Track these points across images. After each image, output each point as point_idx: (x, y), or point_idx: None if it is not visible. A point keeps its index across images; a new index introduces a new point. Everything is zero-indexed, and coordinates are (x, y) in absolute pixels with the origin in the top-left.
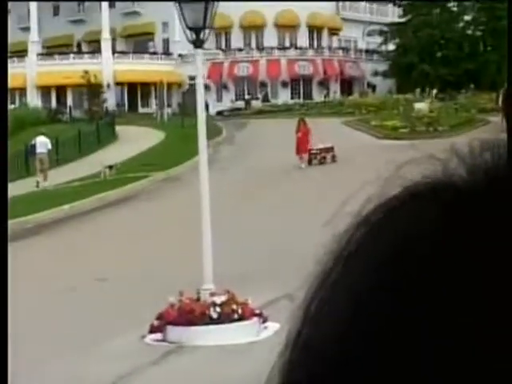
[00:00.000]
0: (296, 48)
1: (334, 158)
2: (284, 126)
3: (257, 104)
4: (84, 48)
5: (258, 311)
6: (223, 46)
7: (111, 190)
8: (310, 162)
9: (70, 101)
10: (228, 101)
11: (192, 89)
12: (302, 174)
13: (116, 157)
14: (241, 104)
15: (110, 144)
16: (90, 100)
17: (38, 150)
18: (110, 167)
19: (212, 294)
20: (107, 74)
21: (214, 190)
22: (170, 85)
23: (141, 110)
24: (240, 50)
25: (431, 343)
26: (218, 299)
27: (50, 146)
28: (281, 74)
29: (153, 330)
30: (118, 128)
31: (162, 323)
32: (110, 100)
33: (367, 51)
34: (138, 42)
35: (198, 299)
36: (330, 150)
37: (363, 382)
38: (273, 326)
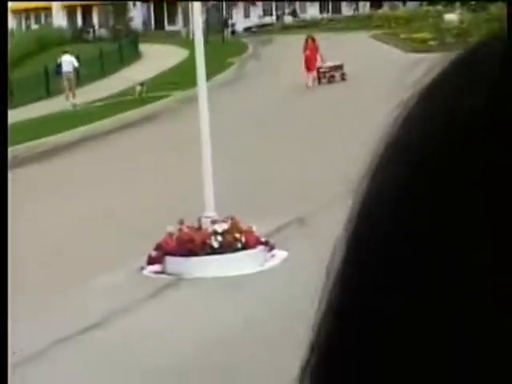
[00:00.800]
0: None
1: (343, 76)
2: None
3: (287, 19)
4: None
5: (263, 239)
6: None
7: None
8: (319, 81)
9: (95, 20)
10: (256, 16)
11: (216, 5)
12: (309, 93)
13: (138, 76)
14: (269, 19)
15: (132, 63)
16: (115, 19)
17: (65, 68)
18: (142, 84)
19: (213, 222)
20: None
21: (228, 108)
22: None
23: (167, 27)
24: None
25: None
26: (220, 227)
27: (76, 64)
28: None
29: (152, 261)
30: (142, 46)
31: (161, 254)
32: (137, 18)
33: None
34: None
35: (200, 228)
36: (339, 67)
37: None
38: (281, 255)
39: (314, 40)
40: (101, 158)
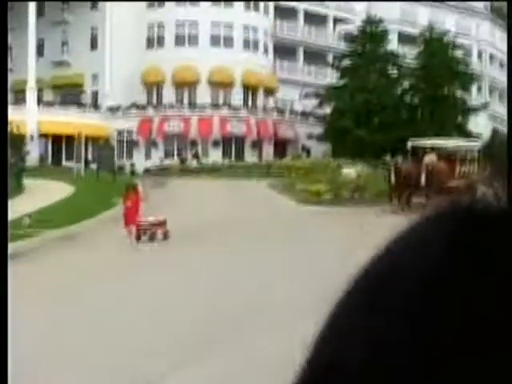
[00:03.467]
0: (229, 107)
1: (166, 235)
2: (203, 187)
3: (189, 162)
4: (10, 98)
5: None
6: (154, 102)
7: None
8: (138, 238)
9: None
10: (157, 158)
11: (109, 144)
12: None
13: (17, 209)
14: (170, 162)
15: (12, 197)
16: (12, 151)
17: None
18: (29, 216)
19: None
20: (31, 125)
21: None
22: (96, 139)
23: (65, 163)
24: (171, 106)
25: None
26: None
27: None
28: (212, 133)
29: None
30: (27, 181)
31: None
32: (33, 152)
33: (303, 113)
34: (66, 93)
35: None
36: (161, 224)
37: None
38: None
39: (136, 189)
40: None
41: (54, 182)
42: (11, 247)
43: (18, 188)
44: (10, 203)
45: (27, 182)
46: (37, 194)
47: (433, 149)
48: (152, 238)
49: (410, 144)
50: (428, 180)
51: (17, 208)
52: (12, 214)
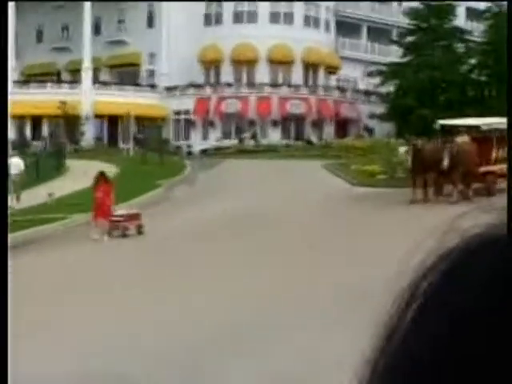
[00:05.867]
0: (289, 86)
1: (139, 229)
2: (256, 168)
3: (247, 143)
4: (66, 77)
5: None
6: (212, 81)
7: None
8: (109, 233)
9: (45, 132)
10: (214, 139)
11: (157, 124)
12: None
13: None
14: (228, 142)
15: (51, 178)
16: (67, 132)
17: (13, 171)
18: (50, 195)
19: None
20: (87, 105)
21: None
22: (153, 119)
23: (122, 144)
24: (229, 85)
25: None
26: None
27: (22, 167)
28: (271, 113)
29: None
30: (71, 162)
31: None
32: (89, 133)
33: (366, 92)
34: (123, 72)
35: None
36: (134, 217)
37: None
38: None
39: (106, 178)
40: None
41: (99, 163)
42: (32, 231)
43: (59, 169)
44: (49, 184)
45: (72, 162)
46: (77, 177)
47: (469, 129)
48: (125, 234)
49: (439, 123)
50: (453, 164)
51: (51, 190)
52: (41, 198)
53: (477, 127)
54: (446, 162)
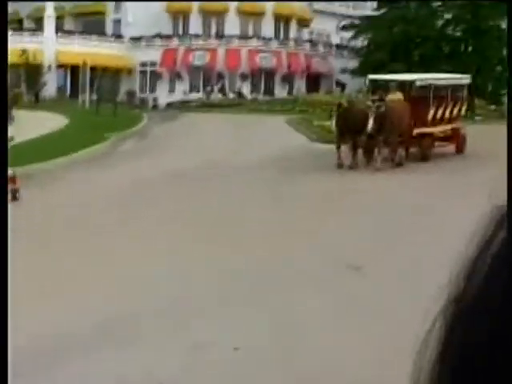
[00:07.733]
0: (259, 38)
1: (14, 194)
2: (222, 122)
3: (215, 96)
4: (30, 26)
5: None
6: (180, 32)
7: None
8: None
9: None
10: (181, 92)
11: (111, 74)
12: None
13: None
14: (194, 96)
15: None
16: (27, 82)
17: None
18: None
19: None
20: (49, 54)
21: None
22: (118, 70)
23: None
24: (197, 36)
25: None
26: None
27: None
28: (241, 66)
29: None
30: (23, 113)
31: None
32: (51, 83)
33: (338, 46)
34: (88, 21)
35: None
36: (11, 180)
37: None
38: None
39: None
40: None
41: (50, 114)
42: None
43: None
44: None
45: (23, 113)
46: (25, 127)
47: (402, 85)
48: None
49: (368, 78)
50: (379, 125)
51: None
52: None
53: (411, 84)
54: (370, 124)
